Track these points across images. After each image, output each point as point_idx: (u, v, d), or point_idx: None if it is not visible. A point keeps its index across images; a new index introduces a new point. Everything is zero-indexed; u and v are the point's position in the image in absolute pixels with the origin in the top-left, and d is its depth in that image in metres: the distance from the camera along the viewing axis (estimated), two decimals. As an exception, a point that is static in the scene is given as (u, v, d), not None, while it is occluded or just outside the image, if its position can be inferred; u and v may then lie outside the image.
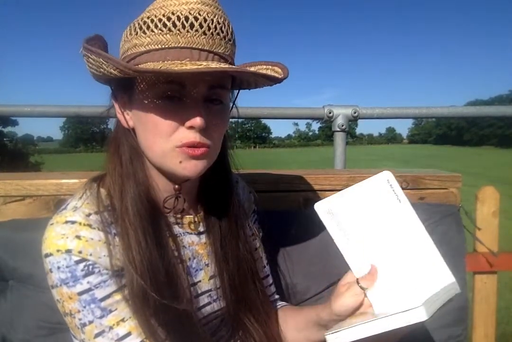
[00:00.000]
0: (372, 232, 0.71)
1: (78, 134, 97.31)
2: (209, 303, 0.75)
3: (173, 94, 0.60)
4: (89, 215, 0.62)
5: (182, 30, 0.57)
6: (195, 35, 0.57)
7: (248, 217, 0.85)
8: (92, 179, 0.69)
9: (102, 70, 0.57)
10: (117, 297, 0.61)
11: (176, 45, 0.58)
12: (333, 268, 1.06)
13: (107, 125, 0.70)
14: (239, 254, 0.76)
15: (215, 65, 0.56)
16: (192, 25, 0.57)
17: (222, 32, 0.60)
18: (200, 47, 0.58)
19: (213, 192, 0.75)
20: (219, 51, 0.60)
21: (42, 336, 0.91)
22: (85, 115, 1.44)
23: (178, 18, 0.57)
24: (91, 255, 0.60)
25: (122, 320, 0.61)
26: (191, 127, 0.59)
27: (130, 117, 0.65)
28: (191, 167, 0.62)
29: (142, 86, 0.60)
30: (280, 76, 0.65)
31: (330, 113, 1.43)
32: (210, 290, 0.75)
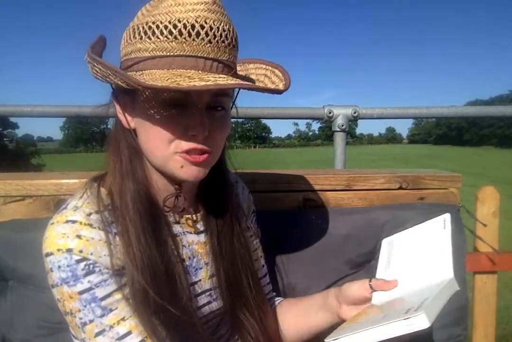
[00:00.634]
0: (407, 264, 0.78)
1: (78, 134, 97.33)
2: (209, 302, 0.75)
3: (178, 102, 0.60)
4: (89, 214, 0.63)
5: (188, 38, 0.57)
6: (200, 43, 0.57)
7: (247, 217, 0.86)
8: (92, 178, 0.70)
9: (108, 79, 0.57)
10: (118, 296, 0.62)
11: (181, 53, 0.58)
12: (333, 268, 1.06)
13: (107, 125, 0.70)
14: (237, 252, 0.76)
15: (222, 80, 0.56)
16: (198, 34, 0.57)
17: (227, 39, 0.60)
18: (205, 55, 0.58)
19: (212, 191, 0.75)
20: (223, 58, 0.61)
21: (42, 336, 0.91)
22: (85, 115, 1.44)
23: (185, 26, 0.56)
24: (91, 254, 0.60)
25: (123, 319, 0.61)
26: (194, 135, 0.60)
27: (131, 119, 0.65)
28: (192, 173, 0.63)
29: (147, 93, 0.60)
30: (283, 89, 0.66)
31: (330, 113, 1.43)
32: (210, 289, 0.76)
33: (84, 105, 1.44)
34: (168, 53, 0.58)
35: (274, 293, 0.93)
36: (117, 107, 0.66)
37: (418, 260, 0.77)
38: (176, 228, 0.72)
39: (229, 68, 0.62)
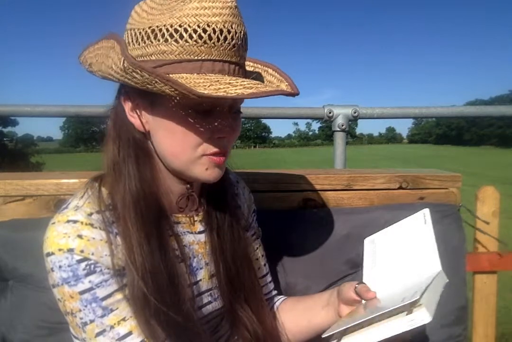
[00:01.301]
0: (392, 261, 0.80)
1: (78, 134, 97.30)
2: (209, 302, 0.76)
3: (205, 107, 0.61)
4: (90, 214, 0.63)
5: (216, 43, 0.57)
6: (226, 48, 0.58)
7: (248, 216, 0.86)
8: (93, 178, 0.69)
9: (150, 86, 0.55)
10: (118, 296, 0.62)
11: (208, 58, 0.58)
12: (333, 268, 1.06)
13: (107, 125, 0.70)
14: (237, 252, 0.76)
15: (262, 87, 0.58)
16: (225, 39, 0.58)
17: (245, 43, 0.61)
18: (229, 59, 0.60)
19: (213, 191, 0.75)
20: (241, 62, 0.62)
21: (42, 336, 0.91)
22: (85, 115, 1.44)
23: (214, 31, 0.57)
24: (93, 254, 0.60)
25: (123, 319, 0.61)
26: (220, 138, 0.63)
27: (146, 121, 0.64)
28: (216, 174, 0.65)
29: (178, 98, 0.59)
30: (294, 92, 0.65)
31: (330, 113, 1.43)
32: (210, 289, 0.76)
33: (84, 105, 1.44)
34: (195, 57, 0.58)
35: (276, 291, 0.93)
36: (127, 109, 0.65)
37: (403, 257, 0.79)
38: (178, 228, 0.72)
39: (244, 71, 0.64)
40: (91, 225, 0.61)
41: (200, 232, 0.76)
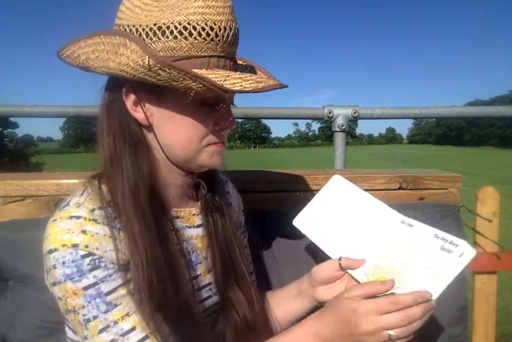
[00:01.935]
0: (346, 227, 0.82)
1: (78, 135, 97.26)
2: (209, 296, 0.77)
3: (211, 100, 0.65)
4: (93, 210, 0.63)
5: (221, 40, 0.61)
6: (229, 45, 0.63)
7: (238, 214, 0.89)
8: (91, 176, 0.70)
9: (174, 83, 0.57)
10: (122, 291, 0.61)
11: (214, 54, 0.62)
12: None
13: (98, 122, 0.70)
14: (232, 245, 0.79)
15: (267, 81, 0.63)
16: (228, 36, 0.62)
17: (238, 40, 0.66)
18: (229, 56, 0.64)
19: (208, 184, 0.76)
20: (235, 57, 0.67)
21: (42, 336, 0.91)
22: (85, 116, 1.44)
23: (219, 29, 0.60)
24: (97, 249, 0.60)
25: (127, 314, 0.61)
26: (223, 129, 0.68)
27: (151, 115, 0.66)
28: (219, 160, 0.71)
29: (192, 93, 0.63)
30: (286, 85, 0.67)
31: (330, 113, 1.43)
32: (209, 284, 0.77)
33: (84, 105, 1.43)
34: (203, 54, 0.61)
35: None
36: (129, 103, 0.65)
37: (352, 223, 0.81)
38: (177, 223, 0.73)
39: (237, 66, 0.68)
40: (95, 220, 0.62)
41: (198, 226, 0.77)
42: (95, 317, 0.60)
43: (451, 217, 1.12)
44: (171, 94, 0.63)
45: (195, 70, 0.59)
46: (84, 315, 0.60)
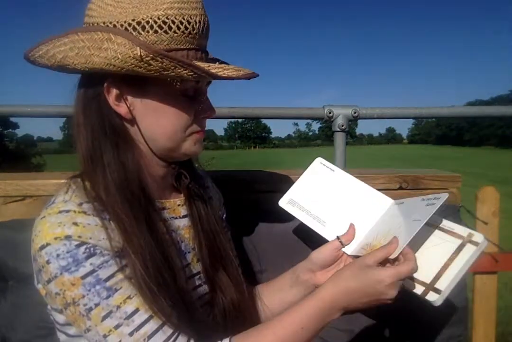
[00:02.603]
0: (332, 205, 0.87)
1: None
2: (200, 285, 0.78)
3: (191, 91, 0.68)
4: (81, 204, 0.63)
5: (197, 33, 0.64)
6: (203, 38, 0.66)
7: (219, 208, 0.91)
8: (72, 176, 0.70)
9: (165, 72, 0.59)
10: (121, 276, 0.61)
11: (191, 47, 0.65)
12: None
13: (73, 120, 0.71)
14: (217, 235, 0.81)
15: (243, 70, 0.66)
16: (203, 30, 0.65)
17: (209, 33, 0.68)
18: (203, 48, 0.67)
19: (189, 175, 0.77)
20: (206, 49, 0.70)
21: (42, 336, 0.91)
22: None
23: (195, 22, 0.63)
24: (90, 238, 0.60)
25: (129, 297, 0.61)
26: (204, 118, 0.71)
27: (133, 108, 0.66)
28: (201, 147, 0.73)
29: (170, 81, 0.65)
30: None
31: (330, 113, 1.43)
32: (199, 272, 0.78)
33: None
34: (182, 46, 0.63)
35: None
36: (112, 99, 0.65)
37: (338, 202, 0.86)
38: (164, 214, 0.74)
39: (208, 58, 0.70)
40: (84, 212, 0.62)
41: (184, 216, 0.78)
42: (96, 305, 0.59)
43: (451, 217, 1.12)
44: (154, 86, 0.65)
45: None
46: (85, 304, 0.59)
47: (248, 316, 0.79)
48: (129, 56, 0.57)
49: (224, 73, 0.63)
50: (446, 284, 0.67)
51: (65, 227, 0.59)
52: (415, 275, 0.70)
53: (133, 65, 0.58)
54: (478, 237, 0.72)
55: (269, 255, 1.06)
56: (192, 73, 0.60)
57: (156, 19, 0.61)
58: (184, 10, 0.62)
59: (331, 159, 1.54)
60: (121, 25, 0.61)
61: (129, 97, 0.66)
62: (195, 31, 0.63)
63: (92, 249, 0.60)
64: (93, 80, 0.66)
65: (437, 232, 0.76)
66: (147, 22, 0.61)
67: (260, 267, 1.06)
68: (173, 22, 0.61)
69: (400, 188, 1.16)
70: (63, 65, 0.62)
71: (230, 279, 0.80)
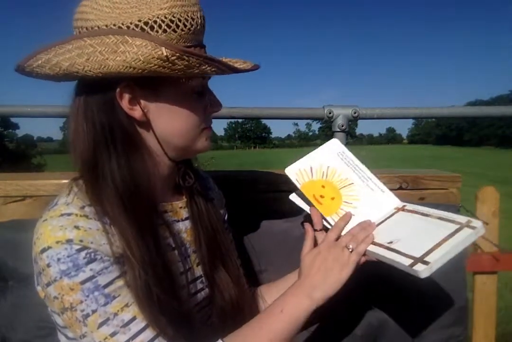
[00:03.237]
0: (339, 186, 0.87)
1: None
2: (202, 289, 0.78)
3: (200, 88, 0.69)
4: (83, 207, 0.63)
5: (200, 30, 0.66)
6: (202, 34, 0.67)
7: (221, 208, 0.90)
8: (74, 178, 0.69)
9: (189, 70, 0.60)
10: (120, 283, 0.61)
11: (195, 43, 0.66)
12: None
13: (73, 126, 0.69)
14: (219, 237, 0.81)
15: (248, 62, 0.68)
16: (203, 26, 0.66)
17: None
18: (203, 44, 0.68)
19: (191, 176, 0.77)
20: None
21: (42, 336, 0.91)
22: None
23: (197, 20, 0.64)
24: (91, 243, 0.60)
25: (126, 305, 0.61)
26: (213, 112, 0.73)
27: (148, 110, 0.66)
28: (210, 142, 0.75)
29: (181, 81, 0.66)
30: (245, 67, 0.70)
31: (330, 113, 1.43)
32: (201, 276, 0.78)
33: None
34: (188, 44, 0.64)
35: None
36: (125, 103, 0.64)
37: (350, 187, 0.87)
38: (166, 217, 0.74)
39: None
40: (86, 216, 0.62)
41: (185, 219, 0.78)
42: (94, 311, 0.59)
43: (451, 217, 1.12)
44: (166, 87, 0.65)
45: None
46: (82, 310, 0.59)
47: (248, 316, 0.79)
48: (153, 57, 0.56)
49: (240, 66, 0.65)
50: (436, 257, 0.66)
51: (66, 231, 0.59)
52: (406, 251, 0.69)
53: (156, 66, 0.57)
54: (476, 222, 0.71)
55: (269, 255, 1.06)
56: (215, 69, 0.61)
57: (163, 18, 0.60)
58: (187, 7, 0.63)
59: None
60: (127, 27, 0.59)
61: (142, 100, 0.65)
62: (198, 28, 0.64)
63: (92, 254, 0.60)
64: (102, 86, 0.63)
65: (437, 220, 0.77)
66: (155, 21, 0.60)
67: (260, 267, 1.06)
68: (179, 20, 0.61)
69: (400, 188, 1.16)
70: (71, 72, 0.60)
71: (230, 277, 0.80)
